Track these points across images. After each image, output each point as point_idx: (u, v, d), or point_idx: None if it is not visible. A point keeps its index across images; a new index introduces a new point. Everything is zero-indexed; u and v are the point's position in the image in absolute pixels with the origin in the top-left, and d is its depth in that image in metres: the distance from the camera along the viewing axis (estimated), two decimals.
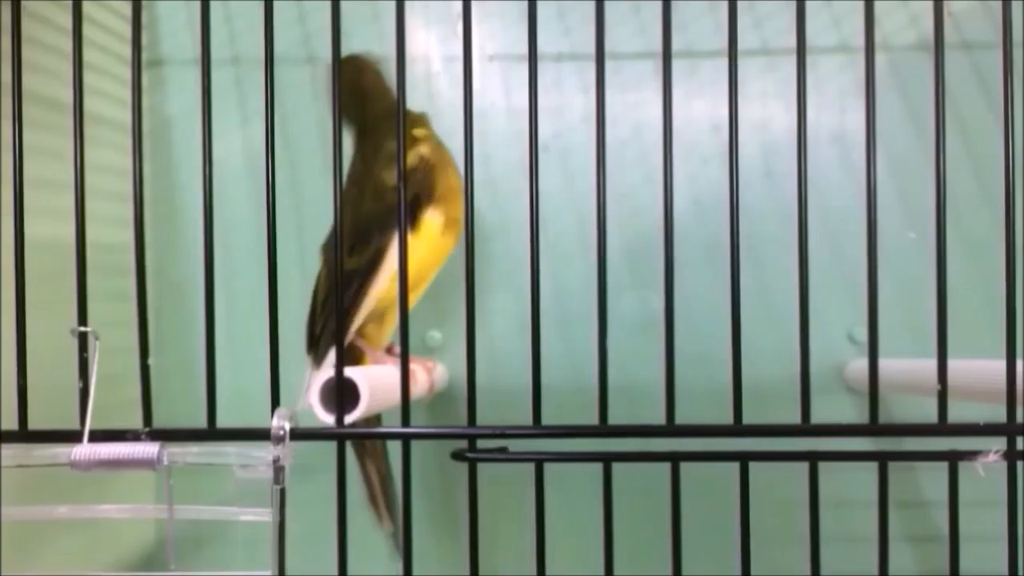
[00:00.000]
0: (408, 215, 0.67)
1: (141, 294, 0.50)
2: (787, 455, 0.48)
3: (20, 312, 0.49)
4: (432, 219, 0.69)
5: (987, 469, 0.48)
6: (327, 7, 0.82)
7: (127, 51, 0.80)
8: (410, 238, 0.66)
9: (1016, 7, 0.79)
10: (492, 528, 0.79)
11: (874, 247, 0.49)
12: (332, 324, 0.68)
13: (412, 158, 0.69)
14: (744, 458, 0.48)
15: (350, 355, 0.70)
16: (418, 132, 0.72)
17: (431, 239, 0.69)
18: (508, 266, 0.83)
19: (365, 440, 0.71)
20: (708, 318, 0.78)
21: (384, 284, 0.69)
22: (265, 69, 0.49)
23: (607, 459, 0.49)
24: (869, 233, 0.48)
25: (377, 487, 0.74)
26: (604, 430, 0.49)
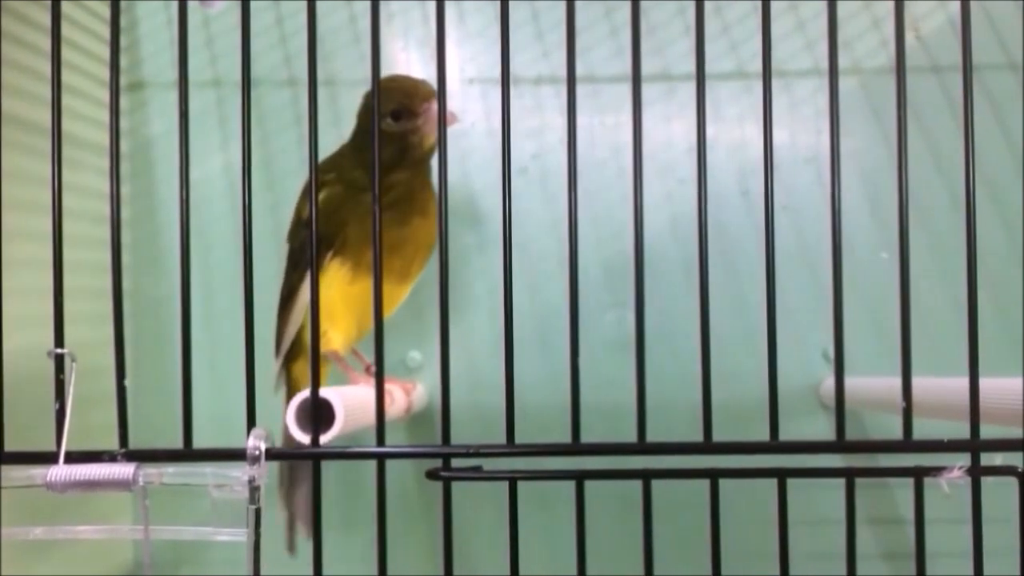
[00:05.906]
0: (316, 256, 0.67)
1: (118, 315, 0.50)
2: (754, 472, 0.48)
3: None
4: (336, 265, 0.65)
5: (953, 486, 0.48)
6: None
7: (106, 73, 0.81)
8: (320, 278, 0.65)
9: (986, 30, 0.82)
10: (468, 546, 0.79)
11: (839, 266, 0.49)
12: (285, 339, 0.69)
13: (321, 198, 0.63)
14: (714, 475, 0.48)
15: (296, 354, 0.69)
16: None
17: (336, 285, 0.65)
18: (488, 286, 0.84)
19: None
20: (686, 336, 0.79)
21: (297, 321, 0.67)
22: (243, 89, 0.50)
23: (580, 477, 0.49)
24: (834, 252, 0.49)
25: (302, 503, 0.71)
26: (576, 448, 0.49)
